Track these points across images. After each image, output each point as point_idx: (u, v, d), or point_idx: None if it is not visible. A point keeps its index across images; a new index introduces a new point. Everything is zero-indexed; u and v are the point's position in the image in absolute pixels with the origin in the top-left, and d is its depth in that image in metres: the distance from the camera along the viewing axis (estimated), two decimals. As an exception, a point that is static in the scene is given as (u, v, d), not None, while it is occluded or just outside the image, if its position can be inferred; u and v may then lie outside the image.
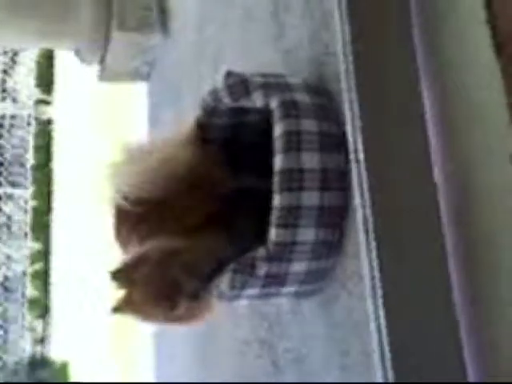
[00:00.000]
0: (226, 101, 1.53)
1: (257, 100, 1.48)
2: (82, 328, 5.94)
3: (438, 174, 1.21)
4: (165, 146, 1.61)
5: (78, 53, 3.60)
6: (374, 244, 1.16)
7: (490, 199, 1.15)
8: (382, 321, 1.13)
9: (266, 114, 1.48)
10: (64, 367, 6.36)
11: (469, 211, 1.19)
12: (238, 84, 1.49)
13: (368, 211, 1.17)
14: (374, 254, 1.15)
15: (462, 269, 1.18)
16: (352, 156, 1.23)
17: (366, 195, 1.18)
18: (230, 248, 1.47)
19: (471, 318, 1.15)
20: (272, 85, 1.48)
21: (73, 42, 3.54)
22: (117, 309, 1.46)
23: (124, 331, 4.59)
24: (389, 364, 1.11)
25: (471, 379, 1.12)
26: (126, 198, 1.50)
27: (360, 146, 1.20)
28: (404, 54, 1.25)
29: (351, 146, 1.23)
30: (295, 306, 1.67)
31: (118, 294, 1.46)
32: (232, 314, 2.06)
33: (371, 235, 1.16)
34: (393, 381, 1.11)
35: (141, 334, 3.94)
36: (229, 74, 1.52)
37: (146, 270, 1.42)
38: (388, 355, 1.11)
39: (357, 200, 1.20)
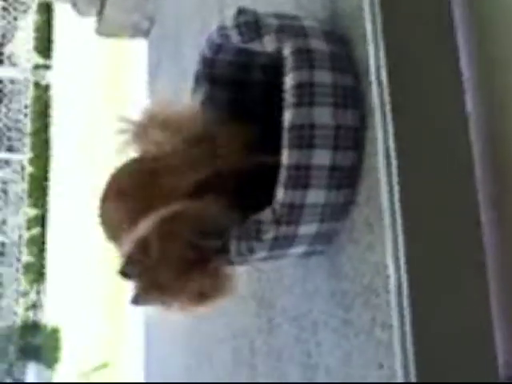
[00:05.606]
0: (235, 40, 1.43)
1: (268, 45, 1.37)
2: (76, 294, 5.90)
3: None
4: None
5: (74, 5, 3.50)
6: (396, 188, 1.09)
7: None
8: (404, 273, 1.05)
9: (277, 59, 1.36)
10: (55, 333, 6.33)
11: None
12: (250, 24, 1.38)
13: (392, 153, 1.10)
14: (397, 202, 1.09)
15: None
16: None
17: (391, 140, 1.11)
18: (229, 214, 1.34)
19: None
20: (286, 28, 1.36)
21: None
22: (138, 297, 1.27)
23: (117, 301, 4.55)
24: (408, 311, 1.03)
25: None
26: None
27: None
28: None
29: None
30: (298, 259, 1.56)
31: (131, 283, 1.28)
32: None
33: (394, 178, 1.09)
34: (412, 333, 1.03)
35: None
36: (240, 12, 1.40)
37: (156, 248, 1.25)
38: (408, 310, 1.03)
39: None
